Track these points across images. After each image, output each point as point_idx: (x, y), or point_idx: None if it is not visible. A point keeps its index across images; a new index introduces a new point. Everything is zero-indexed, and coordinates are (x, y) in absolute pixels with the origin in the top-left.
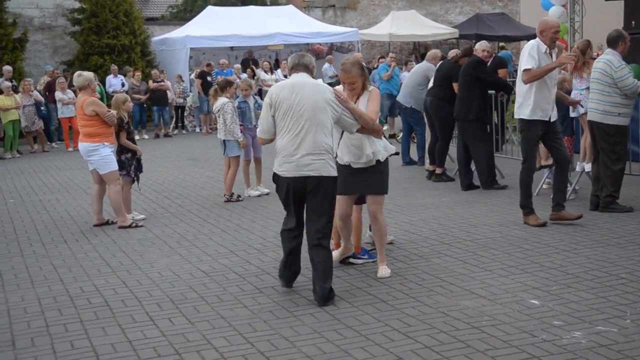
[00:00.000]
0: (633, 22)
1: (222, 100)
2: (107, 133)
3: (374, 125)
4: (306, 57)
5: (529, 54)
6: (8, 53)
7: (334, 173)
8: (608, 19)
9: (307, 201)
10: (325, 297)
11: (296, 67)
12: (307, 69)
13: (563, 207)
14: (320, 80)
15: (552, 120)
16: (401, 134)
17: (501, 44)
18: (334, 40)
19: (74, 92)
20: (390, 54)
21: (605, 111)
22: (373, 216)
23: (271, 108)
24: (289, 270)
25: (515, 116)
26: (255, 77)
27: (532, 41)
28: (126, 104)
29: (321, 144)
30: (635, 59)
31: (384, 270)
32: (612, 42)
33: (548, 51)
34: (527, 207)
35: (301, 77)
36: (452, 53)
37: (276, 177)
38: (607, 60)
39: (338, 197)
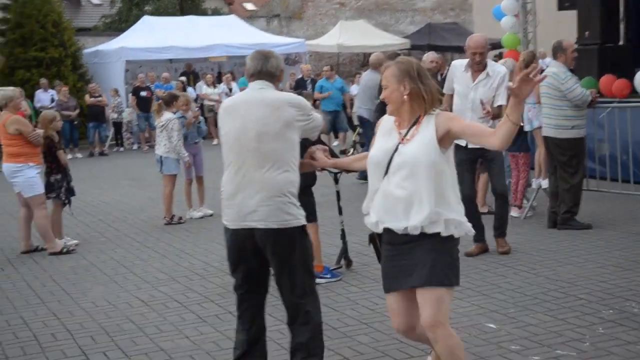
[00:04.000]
0: (587, 33)
1: (167, 115)
2: (32, 153)
3: None
4: (271, 61)
5: (449, 75)
6: None
7: (295, 221)
8: (562, 30)
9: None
10: None
11: (256, 75)
12: (271, 77)
13: (503, 235)
14: (281, 93)
15: (469, 146)
16: (353, 150)
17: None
18: (279, 52)
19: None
20: (326, 68)
21: (558, 125)
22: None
23: (220, 133)
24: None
25: None
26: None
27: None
28: (54, 123)
29: (274, 182)
30: (590, 71)
31: None
32: (553, 53)
33: (469, 71)
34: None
35: (253, 92)
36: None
37: (225, 230)
38: (553, 73)
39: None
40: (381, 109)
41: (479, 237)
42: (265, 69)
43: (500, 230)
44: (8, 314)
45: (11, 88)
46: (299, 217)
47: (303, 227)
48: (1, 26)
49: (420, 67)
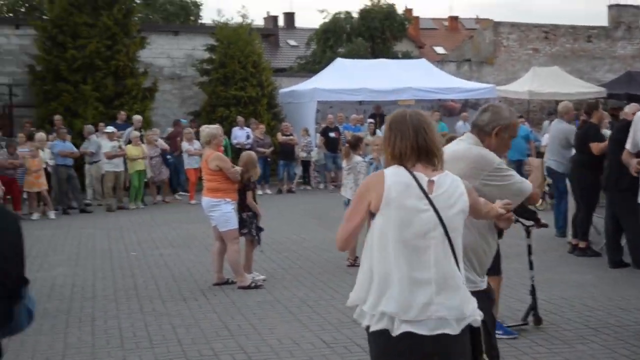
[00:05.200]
0: None
1: (356, 158)
2: (229, 189)
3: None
4: (484, 114)
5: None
6: (138, 102)
7: None
8: None
9: None
10: None
11: (472, 127)
12: (479, 130)
13: None
14: (466, 147)
15: None
16: (542, 201)
17: None
18: (468, 97)
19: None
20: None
21: None
22: None
23: None
24: None
25: None
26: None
27: None
28: (256, 170)
29: None
30: None
31: None
32: None
33: None
34: None
35: (454, 144)
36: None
37: None
38: None
39: None
40: (575, 160)
41: None
42: (476, 121)
43: None
44: (201, 344)
45: (215, 126)
46: None
47: None
48: (207, 66)
49: (394, 119)
